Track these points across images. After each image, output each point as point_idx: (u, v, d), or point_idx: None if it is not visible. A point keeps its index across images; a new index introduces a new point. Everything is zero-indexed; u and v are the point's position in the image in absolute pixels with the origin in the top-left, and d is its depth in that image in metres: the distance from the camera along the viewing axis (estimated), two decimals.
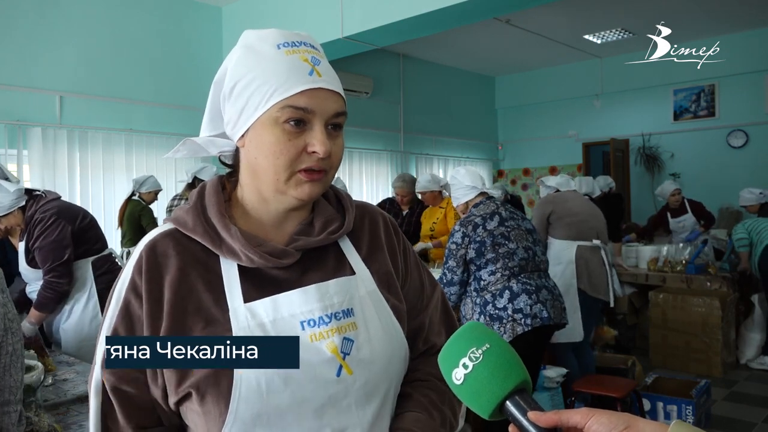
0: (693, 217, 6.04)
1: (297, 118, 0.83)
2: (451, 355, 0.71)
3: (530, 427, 0.63)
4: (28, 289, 2.99)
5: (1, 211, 2.77)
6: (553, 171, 9.63)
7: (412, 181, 5.28)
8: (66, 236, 2.85)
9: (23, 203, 2.82)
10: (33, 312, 2.82)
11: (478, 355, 0.68)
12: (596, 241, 3.88)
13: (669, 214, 6.18)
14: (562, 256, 3.83)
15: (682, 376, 4.25)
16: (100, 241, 3.09)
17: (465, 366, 0.68)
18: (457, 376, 0.69)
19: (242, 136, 0.87)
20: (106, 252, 3.11)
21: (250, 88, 0.84)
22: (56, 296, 2.83)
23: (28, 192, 2.88)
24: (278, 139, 0.83)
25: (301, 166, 0.84)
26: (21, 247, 2.89)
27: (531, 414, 0.64)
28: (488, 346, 0.68)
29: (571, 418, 0.63)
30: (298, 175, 0.85)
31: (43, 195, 2.92)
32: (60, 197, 2.99)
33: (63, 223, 2.85)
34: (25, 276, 2.96)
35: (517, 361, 0.68)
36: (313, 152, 0.83)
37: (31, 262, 2.86)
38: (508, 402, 0.66)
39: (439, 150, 9.36)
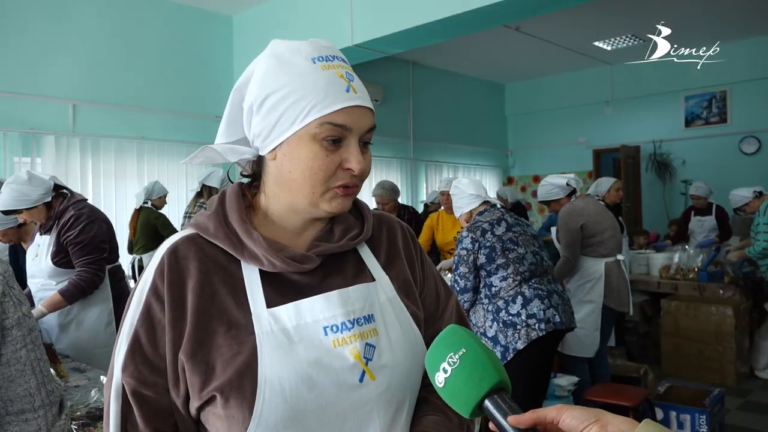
0: (714, 221, 6.13)
1: (335, 136, 0.84)
2: (433, 360, 0.75)
3: (507, 426, 0.68)
4: (34, 287, 2.96)
5: (26, 203, 2.77)
6: None
7: (392, 188, 5.14)
8: (104, 235, 2.92)
9: (49, 199, 2.85)
10: (54, 298, 2.79)
11: (455, 360, 0.72)
12: (620, 256, 3.86)
13: (693, 213, 6.36)
14: (590, 272, 3.77)
15: (695, 385, 4.20)
16: (116, 250, 3.13)
17: (445, 370, 0.72)
18: (439, 379, 0.73)
19: (274, 149, 0.88)
20: (118, 262, 3.15)
21: (285, 102, 0.84)
22: (88, 287, 2.84)
23: (55, 188, 2.91)
24: (316, 155, 0.84)
25: (337, 183, 0.86)
26: (45, 240, 2.88)
27: (511, 418, 0.67)
28: (464, 350, 0.72)
29: (548, 415, 0.66)
30: (334, 190, 0.87)
31: (71, 193, 2.95)
32: (87, 199, 3.04)
33: (100, 222, 2.92)
34: (39, 271, 2.92)
35: (492, 364, 0.71)
36: (348, 169, 0.86)
37: (56, 257, 2.84)
38: (486, 402, 0.70)
39: (448, 157, 9.36)
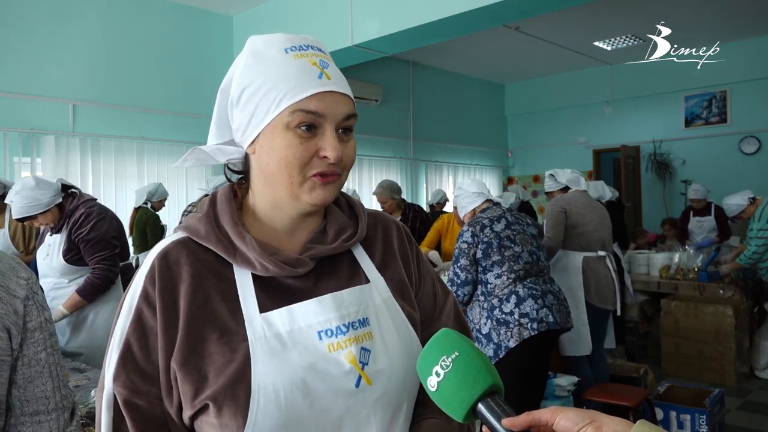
0: (714, 221, 6.12)
1: (308, 122, 0.82)
2: (425, 364, 0.74)
3: (501, 429, 0.67)
4: (47, 286, 2.99)
5: (40, 208, 2.80)
6: None
7: (390, 186, 5.16)
8: (115, 231, 2.96)
9: (60, 200, 2.88)
10: (73, 298, 2.83)
11: (448, 363, 0.71)
12: (601, 252, 3.83)
13: (692, 213, 6.35)
14: (568, 265, 3.77)
15: (695, 385, 4.20)
16: (127, 248, 3.17)
17: (437, 374, 0.72)
18: (431, 383, 0.72)
19: (252, 142, 0.86)
20: (129, 260, 3.18)
21: (259, 93, 0.83)
22: (104, 284, 2.87)
23: (64, 189, 2.94)
24: (290, 144, 0.82)
25: (313, 171, 0.83)
26: (56, 239, 2.91)
27: (505, 421, 0.67)
28: (457, 354, 0.72)
29: (542, 417, 0.66)
30: (312, 179, 0.84)
31: (80, 192, 2.99)
32: (96, 198, 3.08)
33: (110, 219, 2.96)
34: (50, 270, 2.95)
35: (485, 366, 0.71)
36: (325, 157, 0.83)
37: (68, 254, 2.87)
38: (479, 405, 0.69)
39: (448, 157, 9.36)
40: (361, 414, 0.84)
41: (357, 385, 0.83)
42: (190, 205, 4.78)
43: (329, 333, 0.84)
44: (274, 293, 0.86)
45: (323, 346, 0.83)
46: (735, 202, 4.97)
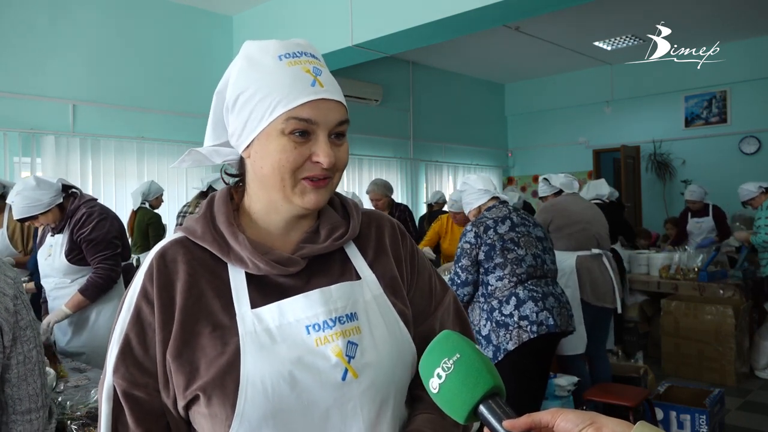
0: (712, 221, 6.13)
1: (301, 129, 0.85)
2: (427, 365, 0.75)
3: (502, 431, 0.68)
4: (48, 286, 3.00)
5: (41, 208, 2.81)
6: None
7: (384, 185, 5.21)
8: (117, 231, 2.97)
9: (61, 200, 2.89)
10: (76, 297, 2.84)
11: (449, 365, 0.72)
12: (595, 250, 3.80)
13: (690, 214, 6.35)
14: (563, 266, 3.72)
15: (695, 384, 4.20)
16: (128, 248, 3.17)
17: (439, 376, 0.73)
18: (433, 385, 0.73)
19: (247, 147, 0.89)
20: (130, 260, 3.18)
21: (254, 100, 0.86)
22: (106, 284, 2.88)
23: (64, 189, 2.94)
24: (284, 149, 0.85)
25: (304, 174, 0.87)
26: (57, 240, 2.92)
27: (506, 423, 0.67)
28: (459, 356, 0.73)
29: (542, 419, 0.67)
30: (302, 183, 0.87)
31: (81, 193, 3.00)
32: (97, 198, 3.09)
33: (112, 219, 2.97)
34: (52, 270, 2.96)
35: (487, 368, 0.72)
36: (317, 162, 0.86)
37: (70, 254, 2.88)
38: (480, 407, 0.70)
39: (448, 157, 9.36)
40: (348, 406, 0.86)
41: (343, 378, 0.85)
42: (185, 206, 4.79)
43: (317, 327, 0.87)
44: (267, 291, 0.89)
45: (311, 340, 0.86)
46: (747, 188, 5.17)
